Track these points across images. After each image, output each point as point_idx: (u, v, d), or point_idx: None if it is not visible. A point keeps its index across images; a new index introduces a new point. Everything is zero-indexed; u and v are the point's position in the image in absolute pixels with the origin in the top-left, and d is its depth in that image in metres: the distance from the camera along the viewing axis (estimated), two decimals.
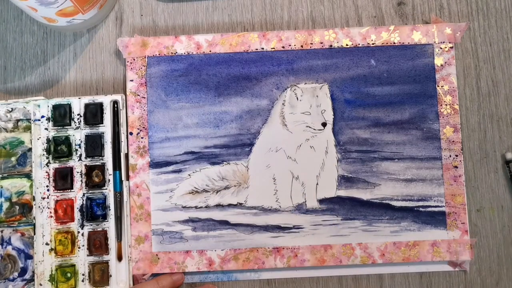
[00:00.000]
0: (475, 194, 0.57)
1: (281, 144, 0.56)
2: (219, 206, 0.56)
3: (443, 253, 0.55)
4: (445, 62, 0.57)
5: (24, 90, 0.59)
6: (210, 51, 0.57)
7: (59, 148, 0.56)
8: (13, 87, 0.59)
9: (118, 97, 0.56)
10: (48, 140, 0.56)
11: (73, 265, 0.55)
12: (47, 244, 0.55)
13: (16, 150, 0.56)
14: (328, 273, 0.56)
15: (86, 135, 0.56)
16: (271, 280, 0.56)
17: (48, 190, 0.55)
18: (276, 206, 0.56)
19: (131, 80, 0.57)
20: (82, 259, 0.55)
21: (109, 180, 0.55)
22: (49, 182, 0.55)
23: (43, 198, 0.55)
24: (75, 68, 0.59)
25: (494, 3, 0.59)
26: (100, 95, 0.57)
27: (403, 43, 0.57)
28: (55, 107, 0.56)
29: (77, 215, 0.55)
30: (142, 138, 0.56)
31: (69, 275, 0.55)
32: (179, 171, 0.56)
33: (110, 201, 0.55)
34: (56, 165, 0.56)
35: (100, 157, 0.56)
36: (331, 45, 0.57)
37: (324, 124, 0.56)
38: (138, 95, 0.57)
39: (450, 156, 0.56)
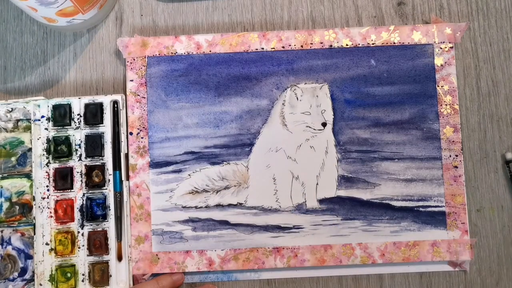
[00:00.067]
0: (475, 194, 0.57)
1: (281, 144, 0.56)
2: (219, 206, 0.56)
3: (443, 253, 0.55)
4: (445, 62, 0.57)
5: (24, 90, 0.59)
6: (210, 51, 0.57)
7: (59, 148, 0.56)
8: (13, 87, 0.59)
9: (118, 97, 0.56)
10: (48, 140, 0.56)
11: (73, 265, 0.55)
12: (47, 244, 0.55)
13: (16, 150, 0.57)
14: (328, 273, 0.56)
15: (86, 135, 0.56)
16: (271, 280, 0.56)
17: (48, 190, 0.55)
18: (276, 206, 0.56)
19: (131, 80, 0.57)
20: (82, 259, 0.55)
21: (109, 180, 0.55)
22: (49, 182, 0.55)
23: (43, 198, 0.55)
24: (75, 68, 0.59)
25: (494, 3, 0.59)
26: (100, 95, 0.57)
27: (403, 43, 0.57)
28: (55, 107, 0.56)
29: (77, 215, 0.55)
30: (142, 138, 0.56)
31: (69, 275, 0.55)
32: (179, 171, 0.56)
33: (110, 201, 0.55)
34: (56, 165, 0.56)
35: (100, 157, 0.56)
36: (331, 45, 0.57)
37: (324, 124, 0.56)
38: (138, 95, 0.57)
39: (450, 156, 0.56)
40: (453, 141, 0.56)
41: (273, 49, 0.57)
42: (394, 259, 0.55)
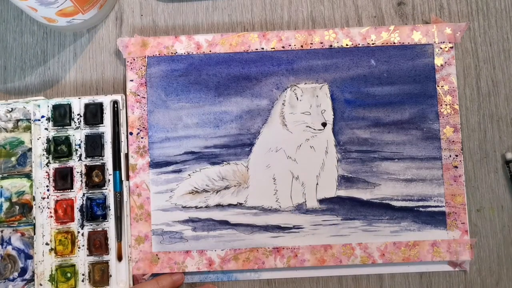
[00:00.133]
0: (475, 194, 0.57)
1: (281, 144, 0.56)
2: (219, 206, 0.56)
3: (443, 253, 0.55)
4: (445, 62, 0.57)
5: (24, 90, 0.59)
6: (210, 51, 0.57)
7: (59, 148, 0.56)
8: (13, 87, 0.59)
9: (118, 97, 0.56)
10: (48, 140, 0.56)
11: (73, 265, 0.55)
12: (47, 244, 0.55)
13: (16, 150, 0.57)
14: (328, 273, 0.56)
15: (86, 135, 0.56)
16: (271, 280, 0.56)
17: (48, 190, 0.55)
18: (276, 206, 0.56)
19: (131, 80, 0.57)
20: (82, 259, 0.55)
21: (109, 180, 0.55)
22: (49, 182, 0.55)
23: (43, 198, 0.55)
24: (75, 68, 0.59)
25: (494, 3, 0.59)
26: (100, 95, 0.57)
27: (403, 43, 0.57)
28: (55, 107, 0.56)
29: (77, 215, 0.55)
30: (142, 138, 0.56)
31: (69, 275, 0.55)
32: (179, 171, 0.56)
33: (110, 201, 0.55)
34: (56, 165, 0.56)
35: (100, 157, 0.56)
36: (331, 45, 0.57)
37: (324, 124, 0.56)
38: (138, 95, 0.57)
39: (450, 156, 0.56)
40: (453, 141, 0.56)
41: (273, 49, 0.57)
42: (394, 259, 0.55)
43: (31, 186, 0.56)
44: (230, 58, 0.57)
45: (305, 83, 0.57)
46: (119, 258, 0.55)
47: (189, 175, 0.56)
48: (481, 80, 0.58)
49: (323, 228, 0.56)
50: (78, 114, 0.56)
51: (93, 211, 0.56)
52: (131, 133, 0.56)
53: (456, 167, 0.56)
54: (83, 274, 0.54)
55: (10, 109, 0.56)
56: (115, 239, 0.55)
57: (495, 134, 0.58)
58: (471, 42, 0.59)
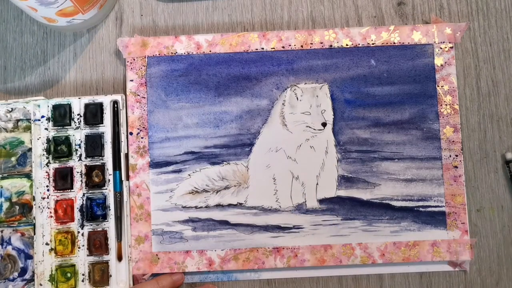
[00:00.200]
0: (475, 194, 0.57)
1: (281, 144, 0.56)
2: (219, 206, 0.56)
3: (443, 253, 0.55)
4: (445, 62, 0.57)
5: (24, 90, 0.59)
6: (210, 51, 0.57)
7: (59, 148, 0.56)
8: (13, 87, 0.59)
9: (118, 97, 0.56)
10: (48, 140, 0.56)
11: (73, 265, 0.55)
12: (47, 244, 0.55)
13: (16, 150, 0.57)
14: (328, 273, 0.56)
15: (86, 135, 0.56)
16: (271, 280, 0.56)
17: (48, 190, 0.55)
18: (276, 206, 0.56)
19: (131, 80, 0.57)
20: (82, 259, 0.55)
21: (109, 180, 0.55)
22: (49, 182, 0.55)
23: (43, 198, 0.55)
24: (75, 68, 0.59)
25: (494, 3, 0.59)
26: (100, 95, 0.57)
27: (403, 43, 0.57)
28: (55, 107, 0.56)
29: (77, 215, 0.55)
30: (142, 138, 0.56)
31: (69, 275, 0.55)
32: (179, 171, 0.56)
33: (110, 201, 0.55)
34: (56, 165, 0.56)
35: (100, 157, 0.56)
36: (331, 45, 0.57)
37: (324, 124, 0.56)
38: (138, 95, 0.57)
39: (450, 156, 0.56)
40: (453, 141, 0.56)
41: (273, 49, 0.57)
42: (394, 259, 0.55)
43: (31, 186, 0.56)
44: (230, 58, 0.57)
45: (305, 83, 0.57)
46: (119, 258, 0.55)
47: (189, 175, 0.56)
48: (481, 80, 0.58)
49: (323, 228, 0.56)
50: (78, 114, 0.56)
51: (93, 211, 0.56)
52: (131, 133, 0.56)
53: (456, 167, 0.56)
54: (83, 274, 0.54)
55: (10, 109, 0.56)
56: (115, 239, 0.55)
57: (495, 134, 0.58)
58: (471, 42, 0.59)
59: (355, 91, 0.57)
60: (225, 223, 0.56)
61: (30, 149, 0.56)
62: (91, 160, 0.56)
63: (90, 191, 0.55)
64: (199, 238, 0.55)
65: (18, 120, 0.57)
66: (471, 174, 0.57)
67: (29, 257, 0.55)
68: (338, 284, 0.56)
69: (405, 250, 0.55)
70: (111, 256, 0.55)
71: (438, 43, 0.57)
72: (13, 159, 0.56)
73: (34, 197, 0.55)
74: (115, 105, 0.56)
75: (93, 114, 0.56)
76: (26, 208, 0.56)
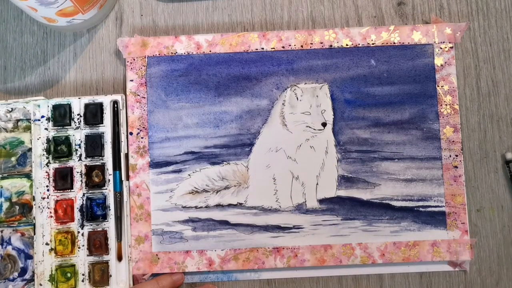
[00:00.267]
0: (475, 194, 0.57)
1: (281, 144, 0.56)
2: (219, 206, 0.56)
3: (443, 253, 0.55)
4: (445, 62, 0.57)
5: (24, 90, 0.59)
6: (210, 51, 0.57)
7: (59, 148, 0.56)
8: (13, 87, 0.59)
9: (118, 97, 0.56)
10: (48, 140, 0.56)
11: (73, 265, 0.55)
12: (47, 244, 0.55)
13: (16, 150, 0.57)
14: (328, 273, 0.56)
15: (86, 135, 0.56)
16: (271, 280, 0.56)
17: (48, 190, 0.55)
18: (276, 206, 0.56)
19: (131, 80, 0.57)
20: (82, 259, 0.55)
21: (109, 180, 0.55)
22: (49, 182, 0.55)
23: (43, 198, 0.55)
24: (75, 68, 0.59)
25: (494, 3, 0.59)
26: (100, 95, 0.57)
27: (403, 43, 0.57)
28: (55, 107, 0.56)
29: (77, 215, 0.55)
30: (142, 138, 0.56)
31: (69, 275, 0.55)
32: (179, 171, 0.56)
33: (110, 201, 0.55)
34: (56, 165, 0.56)
35: (100, 157, 0.56)
36: (331, 45, 0.57)
37: (324, 124, 0.56)
38: (138, 95, 0.57)
39: (450, 156, 0.56)
40: (453, 141, 0.56)
41: (273, 49, 0.57)
42: (394, 259, 0.55)
43: (31, 186, 0.56)
44: (230, 58, 0.57)
45: (305, 83, 0.57)
46: (119, 258, 0.55)
47: (189, 175, 0.56)
48: (481, 80, 0.58)
49: (323, 228, 0.56)
50: (78, 114, 0.56)
51: (93, 211, 0.56)
52: (131, 133, 0.56)
53: (456, 167, 0.56)
54: (83, 274, 0.54)
55: (10, 109, 0.56)
56: (115, 239, 0.55)
57: (495, 134, 0.58)
58: (471, 42, 0.59)
59: (355, 91, 0.57)
60: (225, 223, 0.56)
61: (30, 149, 0.56)
62: (91, 160, 0.56)
63: (90, 191, 0.55)
64: (199, 238, 0.55)
65: (18, 120, 0.57)
66: (471, 174, 0.57)
67: (29, 257, 0.55)
68: (338, 284, 0.56)
69: (405, 250, 0.55)
70: (111, 256, 0.55)
71: (438, 43, 0.57)
72: (13, 159, 0.56)
73: (34, 197, 0.55)
74: (115, 105, 0.56)
75: (93, 114, 0.56)
76: (26, 208, 0.56)
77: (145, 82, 0.57)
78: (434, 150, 0.56)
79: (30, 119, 0.56)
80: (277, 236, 0.55)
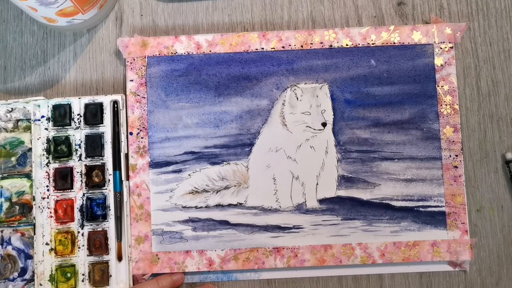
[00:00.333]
0: (475, 194, 0.57)
1: (281, 144, 0.56)
2: (219, 206, 0.56)
3: (443, 253, 0.55)
4: (445, 62, 0.57)
5: (24, 90, 0.59)
6: (210, 51, 0.57)
7: (59, 148, 0.56)
8: (13, 87, 0.59)
9: (118, 97, 0.56)
10: (48, 140, 0.56)
11: (73, 265, 0.55)
12: (47, 244, 0.55)
13: (16, 150, 0.57)
14: (328, 273, 0.56)
15: (86, 135, 0.56)
16: (271, 280, 0.56)
17: (48, 190, 0.55)
18: (276, 206, 0.56)
19: (131, 80, 0.57)
20: (82, 259, 0.55)
21: (109, 180, 0.55)
22: (49, 182, 0.55)
23: (43, 198, 0.55)
24: (75, 68, 0.59)
25: (494, 3, 0.59)
26: (100, 95, 0.57)
27: (403, 43, 0.57)
28: (55, 107, 0.56)
29: (77, 215, 0.55)
30: (142, 138, 0.56)
31: (69, 275, 0.55)
32: (179, 171, 0.56)
33: (110, 201, 0.55)
34: (56, 165, 0.56)
35: (100, 157, 0.56)
36: (331, 45, 0.57)
37: (324, 124, 0.56)
38: (138, 95, 0.57)
39: (450, 156, 0.56)
40: (453, 141, 0.56)
41: (273, 49, 0.57)
42: (394, 259, 0.55)
43: (31, 186, 0.56)
44: (230, 58, 0.57)
45: (305, 83, 0.57)
46: (119, 258, 0.55)
47: (189, 175, 0.56)
48: (481, 80, 0.58)
49: (323, 228, 0.56)
50: (78, 114, 0.56)
51: (93, 211, 0.56)
52: (131, 133, 0.56)
53: (456, 167, 0.56)
54: (83, 274, 0.54)
55: (10, 109, 0.56)
56: (115, 239, 0.55)
57: (495, 134, 0.58)
58: (471, 42, 0.59)
59: (355, 91, 0.57)
60: (225, 223, 0.56)
61: (30, 149, 0.56)
62: (91, 160, 0.56)
63: (90, 191, 0.55)
64: (199, 238, 0.55)
65: (18, 120, 0.57)
66: (471, 174, 0.57)
67: (29, 257, 0.55)
68: (338, 284, 0.56)
69: (405, 250, 0.55)
70: (111, 256, 0.55)
71: (438, 43, 0.57)
72: (13, 159, 0.56)
73: (34, 197, 0.55)
74: (115, 105, 0.56)
75: (93, 114, 0.56)
76: (26, 208, 0.56)
77: (145, 82, 0.57)
78: (434, 150, 0.56)
79: (30, 119, 0.56)
80: (277, 236, 0.55)
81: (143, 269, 0.55)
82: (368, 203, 0.56)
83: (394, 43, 0.57)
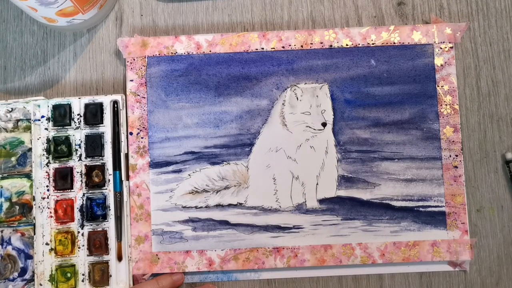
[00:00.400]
0: (475, 194, 0.57)
1: (281, 144, 0.56)
2: (219, 206, 0.56)
3: (443, 253, 0.55)
4: (445, 62, 0.57)
5: (24, 90, 0.59)
6: (210, 51, 0.57)
7: (59, 148, 0.56)
8: (13, 87, 0.59)
9: (118, 97, 0.56)
10: (48, 140, 0.56)
11: (73, 265, 0.55)
12: (47, 244, 0.55)
13: (16, 150, 0.57)
14: (328, 273, 0.56)
15: (86, 135, 0.56)
16: (271, 280, 0.56)
17: (48, 190, 0.55)
18: (276, 206, 0.56)
19: (131, 80, 0.57)
20: (82, 259, 0.55)
21: (109, 180, 0.55)
22: (49, 182, 0.55)
23: (43, 198, 0.55)
24: (75, 68, 0.59)
25: (494, 3, 0.59)
26: (100, 95, 0.57)
27: (403, 43, 0.57)
28: (55, 107, 0.56)
29: (77, 215, 0.55)
30: (142, 138, 0.56)
31: (69, 275, 0.55)
32: (179, 171, 0.56)
33: (110, 201, 0.55)
34: (56, 165, 0.56)
35: (100, 157, 0.56)
36: (331, 45, 0.57)
37: (324, 124, 0.56)
38: (138, 95, 0.57)
39: (450, 156, 0.56)
40: (453, 141, 0.56)
41: (273, 49, 0.57)
42: (394, 259, 0.55)
43: (31, 186, 0.56)
44: (230, 58, 0.57)
45: (305, 83, 0.57)
46: (119, 258, 0.55)
47: (189, 175, 0.56)
48: (481, 80, 0.58)
49: (323, 228, 0.56)
50: (78, 114, 0.56)
51: (93, 211, 0.56)
52: (131, 133, 0.56)
53: (456, 167, 0.56)
54: (83, 274, 0.54)
55: (10, 109, 0.56)
56: (115, 239, 0.55)
57: (495, 134, 0.58)
58: (471, 42, 0.59)
59: (355, 91, 0.57)
60: (225, 223, 0.56)
61: (30, 149, 0.56)
62: (91, 160, 0.56)
63: (90, 191, 0.55)
64: (199, 238, 0.55)
65: (18, 120, 0.57)
66: (471, 174, 0.57)
67: (29, 257, 0.55)
68: (338, 284, 0.56)
69: (405, 250, 0.55)
70: (111, 256, 0.55)
71: (438, 43, 0.57)
72: (13, 159, 0.56)
73: (34, 197, 0.55)
74: (115, 105, 0.56)
75: (93, 114, 0.56)
76: (26, 208, 0.56)
77: (145, 82, 0.57)
78: (434, 150, 0.56)
79: (30, 119, 0.56)
80: (277, 236, 0.55)
81: (143, 269, 0.55)
82: (368, 203, 0.56)
83: (394, 43, 0.57)
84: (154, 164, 0.56)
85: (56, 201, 0.55)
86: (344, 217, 0.56)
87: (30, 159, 0.56)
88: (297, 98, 0.57)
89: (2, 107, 0.56)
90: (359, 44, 0.57)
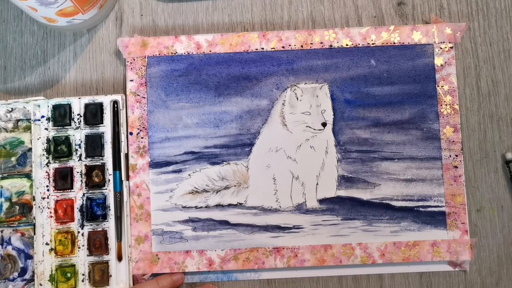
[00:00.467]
0: (475, 194, 0.57)
1: (281, 144, 0.56)
2: (219, 206, 0.56)
3: (443, 253, 0.55)
4: (445, 62, 0.57)
5: (24, 90, 0.59)
6: (210, 51, 0.57)
7: (59, 148, 0.56)
8: (13, 87, 0.59)
9: (118, 97, 0.56)
10: (48, 140, 0.56)
11: (73, 265, 0.55)
12: (47, 244, 0.55)
13: (16, 150, 0.57)
14: (328, 273, 0.56)
15: (86, 135, 0.56)
16: (271, 280, 0.56)
17: (48, 190, 0.55)
18: (276, 206, 0.56)
19: (131, 80, 0.57)
20: (82, 259, 0.55)
21: (109, 180, 0.55)
22: (49, 182, 0.55)
23: (43, 198, 0.55)
24: (75, 68, 0.59)
25: (494, 3, 0.59)
26: (100, 95, 0.57)
27: (403, 43, 0.57)
28: (55, 107, 0.56)
29: (77, 215, 0.55)
30: (142, 138, 0.56)
31: (69, 275, 0.55)
32: (179, 171, 0.56)
33: (110, 201, 0.55)
34: (56, 165, 0.56)
35: (100, 157, 0.56)
36: (331, 45, 0.57)
37: (324, 124, 0.56)
38: (138, 95, 0.57)
39: (450, 156, 0.56)
40: (453, 141, 0.56)
41: (273, 49, 0.57)
42: (394, 259, 0.55)
43: (31, 186, 0.56)
44: (230, 58, 0.57)
45: (305, 83, 0.57)
46: (119, 258, 0.55)
47: (189, 175, 0.56)
48: (481, 80, 0.58)
49: (323, 228, 0.56)
50: (78, 114, 0.56)
51: (93, 211, 0.56)
52: (131, 133, 0.56)
53: (456, 167, 0.56)
54: (83, 274, 0.54)
55: (10, 109, 0.56)
56: (115, 239, 0.55)
57: (495, 134, 0.58)
58: (471, 42, 0.59)
59: (355, 91, 0.57)
60: (225, 223, 0.56)
61: (30, 149, 0.56)
62: (91, 160, 0.56)
63: (90, 191, 0.55)
64: (199, 238, 0.55)
65: (18, 120, 0.57)
66: (471, 174, 0.57)
67: (29, 257, 0.55)
68: (338, 284, 0.56)
69: (405, 250, 0.55)
70: (111, 256, 0.55)
71: (438, 43, 0.57)
72: (13, 159, 0.56)
73: (34, 197, 0.55)
74: (115, 105, 0.56)
75: (93, 114, 0.56)
76: (26, 208, 0.56)
77: (145, 82, 0.57)
78: (434, 150, 0.56)
79: (30, 119, 0.56)
80: (277, 236, 0.55)
81: (143, 269, 0.55)
82: (368, 203, 0.56)
83: (394, 43, 0.57)
84: (154, 164, 0.56)
85: (56, 201, 0.55)
86: (344, 217, 0.56)
87: (30, 159, 0.56)
88: (297, 98, 0.57)
89: (2, 107, 0.56)
90: (359, 44, 0.57)
